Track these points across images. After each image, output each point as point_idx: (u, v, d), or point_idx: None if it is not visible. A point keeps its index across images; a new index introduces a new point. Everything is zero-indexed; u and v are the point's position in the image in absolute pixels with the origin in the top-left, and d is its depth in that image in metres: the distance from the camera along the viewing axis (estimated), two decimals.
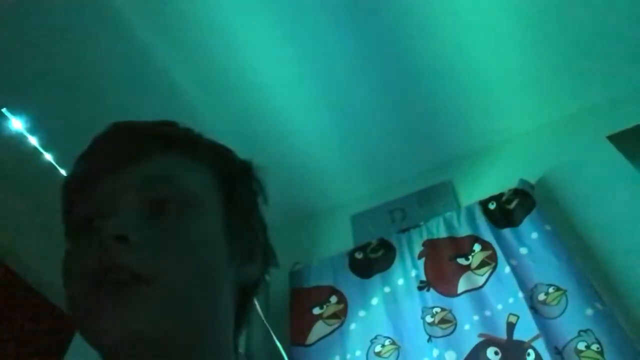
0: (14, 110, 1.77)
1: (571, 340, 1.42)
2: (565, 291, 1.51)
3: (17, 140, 1.77)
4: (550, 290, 1.53)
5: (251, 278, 0.59)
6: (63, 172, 1.87)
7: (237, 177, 0.60)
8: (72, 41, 1.65)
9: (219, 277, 0.53)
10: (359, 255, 1.92)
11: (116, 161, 0.53)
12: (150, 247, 0.47)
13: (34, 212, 1.69)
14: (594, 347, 1.37)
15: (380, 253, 1.90)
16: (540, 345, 1.42)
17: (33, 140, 1.81)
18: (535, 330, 1.45)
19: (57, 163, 1.86)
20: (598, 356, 1.36)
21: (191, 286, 0.48)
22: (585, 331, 1.41)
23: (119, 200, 0.50)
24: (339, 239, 2.05)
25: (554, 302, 1.51)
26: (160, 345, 0.45)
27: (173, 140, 0.56)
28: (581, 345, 1.39)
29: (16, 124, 1.77)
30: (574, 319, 1.45)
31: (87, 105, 1.78)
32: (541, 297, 1.54)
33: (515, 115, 2.04)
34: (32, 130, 1.80)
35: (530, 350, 1.43)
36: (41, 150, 1.82)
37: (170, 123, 0.60)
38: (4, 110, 1.76)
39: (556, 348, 1.42)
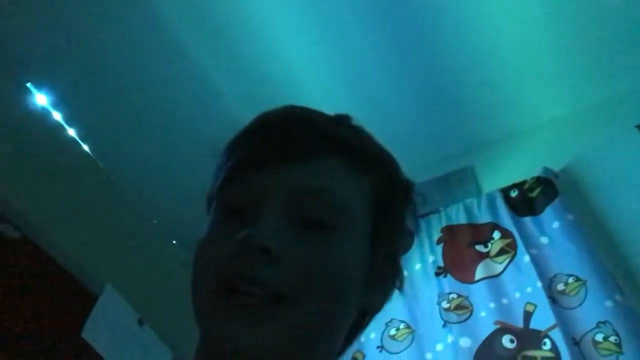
0: (39, 86, 1.78)
1: (589, 331, 1.41)
2: (585, 282, 1.49)
3: (42, 115, 1.79)
4: (570, 280, 1.52)
5: (376, 306, 0.55)
6: (86, 147, 1.89)
7: (395, 199, 0.55)
8: (96, 18, 1.66)
9: (351, 305, 0.50)
10: None
11: (278, 154, 0.49)
12: (293, 266, 0.45)
13: (57, 187, 1.72)
14: (612, 338, 1.36)
15: None
16: (557, 335, 1.41)
17: (57, 116, 1.83)
18: (552, 320, 1.44)
19: (80, 138, 1.88)
20: (616, 348, 1.35)
21: (326, 314, 0.46)
22: (603, 323, 1.40)
23: (271, 203, 0.47)
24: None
25: (573, 293, 1.49)
26: None
27: (341, 143, 0.51)
28: (599, 337, 1.38)
29: (40, 99, 1.79)
30: (592, 310, 1.43)
31: (110, 81, 1.79)
32: (560, 287, 1.52)
33: (541, 103, 2.00)
34: (57, 105, 1.82)
35: (546, 340, 1.42)
36: (65, 125, 1.85)
37: (343, 120, 0.56)
38: (28, 85, 1.78)
39: (573, 339, 1.41)
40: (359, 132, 0.56)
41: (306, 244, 0.46)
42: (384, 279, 0.55)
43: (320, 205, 0.48)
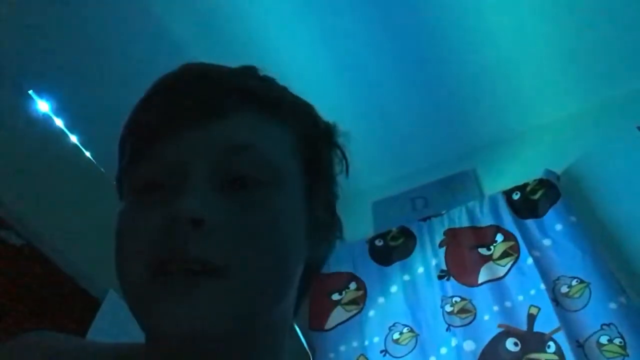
0: (41, 92, 1.79)
1: (593, 333, 1.40)
2: (588, 284, 1.49)
3: (44, 122, 1.80)
4: (574, 282, 1.51)
5: (322, 255, 0.53)
6: (88, 153, 1.90)
7: (319, 142, 0.52)
8: (98, 24, 1.66)
9: (297, 262, 0.47)
10: (379, 243, 1.92)
11: (188, 117, 0.45)
12: (228, 234, 0.41)
13: (60, 194, 1.72)
14: (617, 341, 1.36)
15: (400, 241, 1.90)
16: (561, 337, 1.40)
17: (59, 122, 1.83)
18: (556, 323, 1.43)
19: (82, 145, 1.88)
20: (621, 350, 1.34)
21: (271, 278, 0.43)
22: (608, 325, 1.39)
23: (192, 171, 0.43)
24: (360, 226, 2.04)
25: (577, 295, 1.49)
26: (225, 339, 0.43)
27: (254, 95, 0.48)
28: (603, 339, 1.37)
29: (42, 106, 1.80)
30: (597, 313, 1.43)
31: (112, 87, 1.79)
32: (564, 289, 1.52)
33: (543, 105, 2.01)
34: (58, 112, 1.82)
35: (550, 343, 1.41)
36: (67, 132, 1.85)
37: (250, 71, 0.52)
38: (30, 92, 1.79)
39: (577, 341, 1.40)
40: (269, 82, 0.52)
41: (238, 207, 0.43)
42: (326, 228, 0.52)
43: (247, 163, 0.45)
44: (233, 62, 0.53)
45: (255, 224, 0.43)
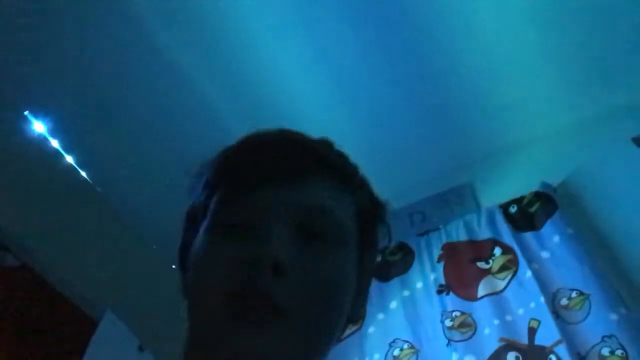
0: (36, 113, 1.79)
1: (594, 345, 1.39)
2: (588, 296, 1.48)
3: (39, 143, 1.80)
4: (573, 294, 1.51)
5: (359, 314, 0.59)
6: (84, 173, 1.89)
7: (374, 216, 0.60)
8: (95, 46, 1.67)
9: (344, 315, 0.53)
10: (377, 258, 1.91)
11: (277, 173, 0.52)
12: (300, 280, 0.47)
13: (56, 214, 1.72)
14: (619, 352, 1.35)
15: (398, 256, 1.89)
16: (562, 350, 1.39)
17: (55, 143, 1.83)
18: (557, 336, 1.42)
19: (78, 165, 1.88)
20: None
21: (325, 324, 0.49)
22: (609, 337, 1.38)
23: (277, 220, 0.50)
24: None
25: (577, 307, 1.48)
26: None
27: (332, 165, 0.56)
28: (605, 351, 1.37)
29: (38, 126, 1.80)
30: (597, 324, 1.42)
31: (108, 109, 1.80)
32: (563, 301, 1.51)
33: (538, 117, 2.01)
34: (54, 133, 1.83)
35: (552, 356, 1.40)
36: (63, 152, 1.85)
37: (329, 144, 0.60)
38: (26, 113, 1.79)
39: (579, 354, 1.39)
40: (345, 157, 0.60)
41: (310, 259, 0.49)
42: (366, 292, 0.60)
43: (323, 222, 0.51)
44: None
45: (324, 276, 0.49)
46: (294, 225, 0.50)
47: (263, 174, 0.52)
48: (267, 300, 0.45)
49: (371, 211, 0.60)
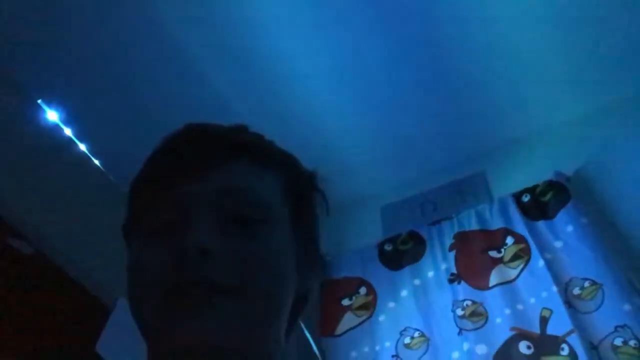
0: (49, 102, 1.80)
1: (607, 335, 1.39)
2: (601, 285, 1.47)
3: (53, 131, 1.81)
4: (586, 284, 1.50)
5: (308, 288, 0.60)
6: (97, 162, 1.91)
7: (303, 188, 0.61)
8: (107, 36, 1.68)
9: (289, 290, 0.54)
10: (388, 247, 1.91)
11: (192, 167, 0.53)
12: (232, 260, 0.48)
13: (70, 202, 1.73)
14: (632, 342, 1.34)
15: (410, 245, 1.89)
16: (574, 340, 1.39)
17: (68, 131, 1.85)
18: (569, 325, 1.42)
19: (91, 153, 1.90)
20: (636, 352, 1.33)
21: (268, 300, 0.50)
22: (622, 327, 1.38)
23: (198, 210, 0.51)
24: (369, 230, 2.03)
25: (590, 297, 1.48)
26: (227, 356, 0.47)
27: (246, 148, 0.57)
28: (618, 341, 1.36)
29: (51, 115, 1.81)
30: (610, 314, 1.41)
31: (120, 96, 1.81)
32: (576, 291, 1.51)
33: (552, 106, 1.99)
34: (67, 122, 1.84)
35: (564, 345, 1.40)
36: (76, 140, 1.86)
37: (242, 128, 0.61)
38: (39, 101, 1.80)
39: (591, 343, 1.39)
40: (259, 137, 0.61)
41: (237, 239, 0.50)
42: (311, 262, 0.60)
43: (244, 203, 0.53)
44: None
45: (253, 254, 0.50)
46: (215, 210, 0.51)
47: (177, 170, 0.53)
48: (200, 285, 0.46)
49: (299, 182, 0.60)
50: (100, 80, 1.77)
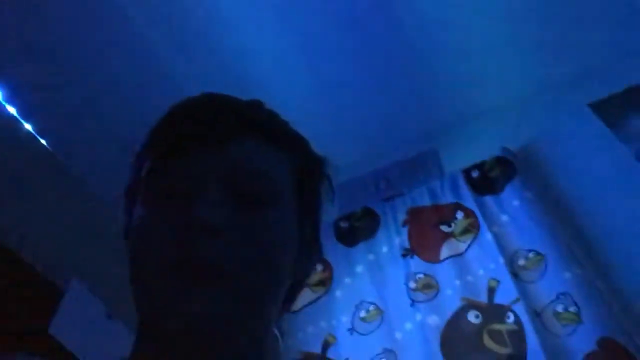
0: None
1: (550, 303, 1.46)
2: (544, 256, 1.55)
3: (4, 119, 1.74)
4: (530, 255, 1.57)
5: (305, 273, 0.60)
6: (43, 141, 1.85)
7: (311, 172, 0.60)
8: (54, 10, 1.61)
9: (286, 275, 0.53)
10: (343, 224, 1.94)
11: (205, 137, 0.52)
12: (237, 239, 0.48)
13: (17, 182, 1.68)
14: (572, 309, 1.42)
15: (364, 221, 1.92)
16: (519, 308, 1.46)
17: (12, 110, 1.78)
18: (515, 294, 1.49)
19: (36, 132, 1.83)
20: (576, 317, 1.40)
21: (265, 283, 0.50)
22: (563, 294, 1.45)
23: (207, 184, 0.49)
24: (324, 208, 2.05)
25: (534, 267, 1.55)
26: (220, 335, 0.47)
27: (261, 124, 0.55)
28: (559, 308, 1.44)
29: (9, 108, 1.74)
30: (552, 283, 1.49)
31: (66, 74, 1.75)
32: (521, 262, 1.57)
33: (499, 84, 2.05)
34: (11, 100, 1.77)
35: (510, 313, 1.47)
36: (21, 119, 1.79)
37: (258, 103, 0.59)
38: None
39: (535, 311, 1.46)
40: (274, 115, 0.59)
41: (246, 219, 0.49)
42: (312, 250, 0.60)
43: (255, 182, 0.52)
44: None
45: (261, 236, 0.49)
46: (225, 187, 0.50)
47: (191, 139, 0.52)
48: (205, 263, 0.46)
49: (309, 167, 0.59)
50: (47, 57, 1.71)
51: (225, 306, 0.46)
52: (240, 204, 0.50)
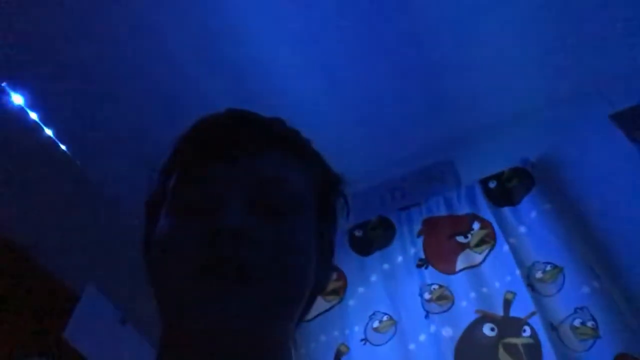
0: (15, 86, 1.76)
1: (567, 317, 1.44)
2: (562, 269, 1.52)
3: (18, 115, 1.77)
4: (548, 268, 1.55)
5: (323, 283, 0.62)
6: (63, 147, 1.87)
7: (329, 187, 0.62)
8: (73, 18, 1.64)
9: (309, 284, 0.55)
10: (358, 233, 1.93)
11: (230, 150, 0.54)
12: (264, 247, 0.49)
13: (36, 187, 1.70)
14: (590, 323, 1.39)
15: (379, 231, 1.91)
16: (536, 321, 1.44)
17: (34, 116, 1.81)
18: (531, 307, 1.46)
19: (57, 138, 1.86)
20: (593, 332, 1.38)
21: (292, 289, 0.51)
22: (581, 308, 1.43)
23: (233, 193, 0.52)
24: (338, 223, 2.04)
25: (551, 280, 1.52)
26: (245, 339, 0.48)
27: (284, 139, 0.58)
28: (577, 322, 1.41)
29: (17, 99, 1.77)
30: (570, 297, 1.47)
31: (88, 81, 1.77)
32: (538, 274, 1.55)
33: (519, 94, 2.02)
34: (33, 106, 1.80)
35: (526, 327, 1.45)
36: (42, 125, 1.83)
37: (281, 121, 0.62)
38: (3, 85, 1.76)
39: (552, 324, 1.44)
40: (296, 132, 0.62)
41: (272, 226, 0.51)
42: (329, 260, 0.63)
43: (278, 191, 0.54)
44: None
45: (285, 242, 0.51)
46: (250, 197, 0.52)
47: (216, 150, 0.54)
48: (234, 265, 0.47)
49: (327, 184, 0.62)
50: (68, 63, 1.73)
51: (253, 307, 0.47)
52: (266, 213, 0.52)
